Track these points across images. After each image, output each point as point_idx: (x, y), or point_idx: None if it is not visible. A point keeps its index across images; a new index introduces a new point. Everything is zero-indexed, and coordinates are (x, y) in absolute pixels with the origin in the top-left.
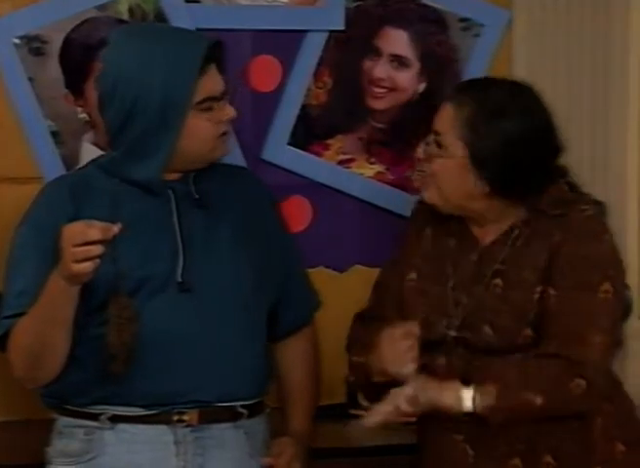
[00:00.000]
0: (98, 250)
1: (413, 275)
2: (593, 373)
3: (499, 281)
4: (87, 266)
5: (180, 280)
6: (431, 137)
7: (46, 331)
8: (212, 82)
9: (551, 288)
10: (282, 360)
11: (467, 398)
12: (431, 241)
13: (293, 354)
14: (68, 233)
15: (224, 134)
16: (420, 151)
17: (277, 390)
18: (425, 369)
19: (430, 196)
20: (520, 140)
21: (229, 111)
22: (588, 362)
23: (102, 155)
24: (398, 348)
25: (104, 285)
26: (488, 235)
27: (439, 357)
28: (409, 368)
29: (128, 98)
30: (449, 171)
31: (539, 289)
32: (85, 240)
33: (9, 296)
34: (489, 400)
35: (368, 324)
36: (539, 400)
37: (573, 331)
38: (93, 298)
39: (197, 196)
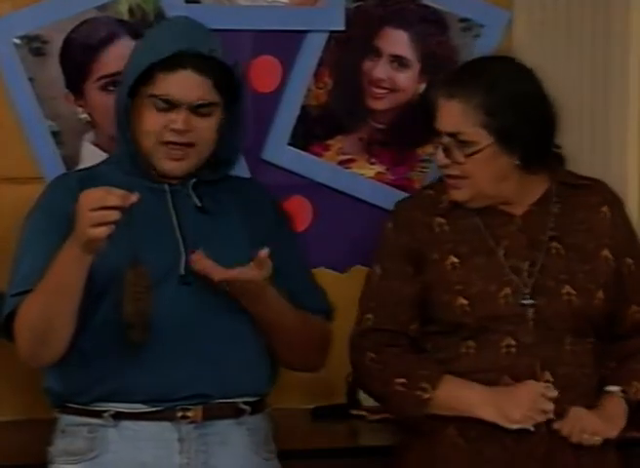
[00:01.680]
0: (114, 215)
1: (453, 259)
2: None
3: (557, 245)
4: (102, 231)
5: (182, 273)
6: (446, 140)
7: (54, 301)
8: (169, 84)
9: (627, 257)
10: None
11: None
12: (449, 226)
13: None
14: (87, 198)
15: (168, 144)
16: (440, 158)
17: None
18: (493, 351)
19: (462, 195)
20: (532, 96)
21: (178, 121)
22: None
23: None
24: (537, 403)
25: (108, 272)
26: (518, 207)
27: (505, 337)
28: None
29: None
30: (482, 164)
31: (604, 252)
32: (103, 204)
33: (17, 277)
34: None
35: (394, 343)
36: None
37: None
38: (96, 285)
39: (200, 204)
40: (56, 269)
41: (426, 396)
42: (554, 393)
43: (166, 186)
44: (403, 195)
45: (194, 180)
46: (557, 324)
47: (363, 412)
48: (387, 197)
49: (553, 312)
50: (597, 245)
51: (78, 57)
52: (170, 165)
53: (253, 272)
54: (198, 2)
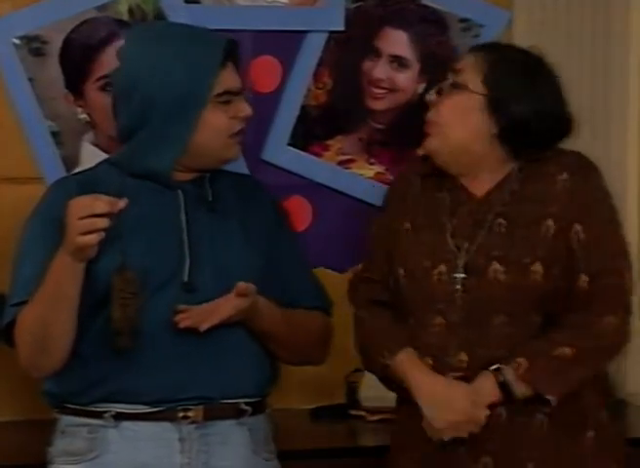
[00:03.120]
0: (103, 222)
1: (407, 225)
2: (624, 308)
3: (501, 220)
4: (92, 238)
5: (186, 280)
6: (446, 83)
7: (51, 310)
8: (230, 77)
9: (577, 224)
10: None
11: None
12: (421, 195)
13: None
14: (75, 206)
15: (238, 133)
16: (430, 94)
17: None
18: (424, 329)
19: (430, 142)
20: (537, 91)
21: (246, 108)
22: (621, 297)
23: (113, 154)
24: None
25: (107, 278)
26: (482, 187)
27: (435, 316)
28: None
29: (148, 96)
30: (460, 107)
31: (547, 222)
32: (91, 212)
33: (16, 286)
34: (521, 370)
35: (376, 299)
36: (568, 350)
37: (604, 265)
38: (96, 292)
39: (211, 198)
40: (50, 278)
41: (386, 361)
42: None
43: (179, 191)
44: None
45: (209, 176)
46: (485, 303)
47: (362, 413)
48: None
49: (480, 291)
50: (541, 215)
51: (78, 57)
52: (236, 151)
53: (236, 303)
54: (198, 2)
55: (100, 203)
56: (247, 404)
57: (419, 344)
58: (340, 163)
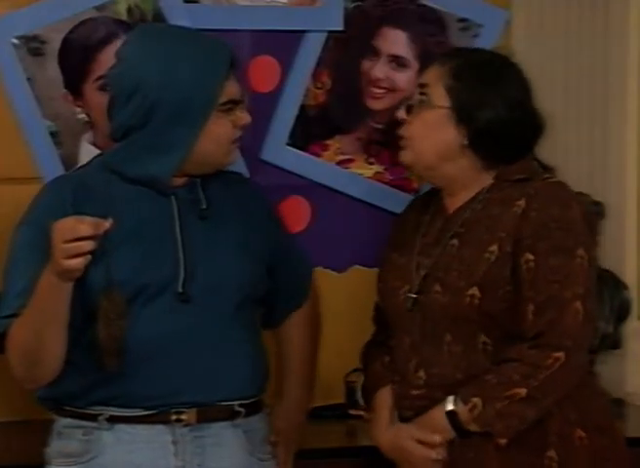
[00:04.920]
0: (88, 245)
1: (391, 252)
2: (572, 343)
3: (455, 241)
4: (78, 262)
5: (180, 290)
6: (415, 98)
7: (40, 328)
8: (234, 86)
9: (527, 252)
10: (280, 332)
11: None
12: (412, 222)
13: (290, 328)
14: (58, 229)
15: (238, 140)
16: (400, 113)
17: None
18: (397, 348)
19: (405, 156)
20: (502, 95)
21: (246, 116)
22: (568, 331)
23: (108, 151)
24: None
25: (100, 288)
26: (456, 204)
27: (404, 335)
28: None
29: (149, 99)
30: (429, 124)
31: (492, 248)
32: (75, 236)
33: (8, 296)
34: (476, 411)
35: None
36: (522, 391)
37: (548, 299)
38: (89, 303)
39: (205, 206)
40: (37, 297)
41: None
42: (439, 456)
43: (172, 198)
44: (401, 195)
45: (200, 180)
46: (433, 323)
47: (361, 412)
48: (386, 197)
49: (427, 311)
50: (489, 239)
51: (77, 57)
52: (235, 157)
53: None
54: (197, 2)
55: (84, 226)
56: (241, 405)
57: (394, 364)
58: (340, 163)
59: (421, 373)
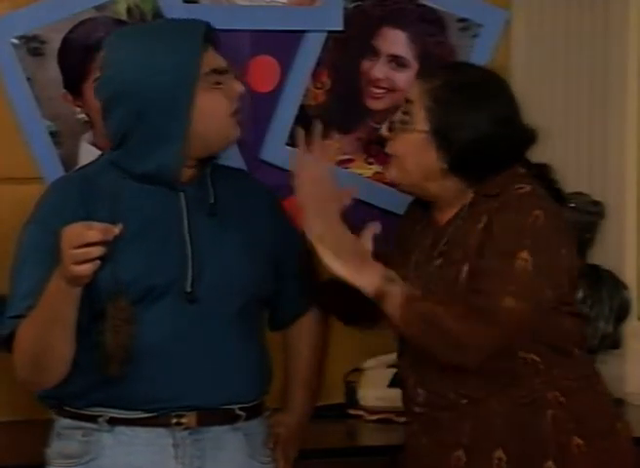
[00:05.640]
0: (97, 251)
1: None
2: (500, 329)
3: (440, 261)
4: (87, 268)
5: (188, 290)
6: (398, 116)
7: (47, 332)
8: (213, 57)
9: (479, 259)
10: (287, 341)
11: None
12: (408, 233)
13: (296, 338)
14: (67, 235)
15: (237, 112)
16: (384, 129)
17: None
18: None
19: (390, 172)
20: (482, 118)
21: (238, 86)
22: (497, 318)
23: (113, 151)
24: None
25: (107, 290)
26: (444, 217)
27: (403, 353)
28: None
29: (137, 97)
30: (410, 148)
31: (465, 268)
32: (84, 242)
33: (15, 297)
34: (398, 298)
35: None
36: (449, 321)
37: (483, 291)
38: (96, 304)
39: (212, 200)
40: (46, 301)
41: None
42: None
43: (181, 194)
44: (401, 195)
45: (209, 172)
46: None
47: (361, 412)
48: (385, 197)
49: None
50: (463, 260)
51: (76, 57)
52: (237, 130)
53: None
54: (196, 2)
55: (93, 232)
56: (241, 409)
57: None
58: (339, 163)
59: (420, 391)
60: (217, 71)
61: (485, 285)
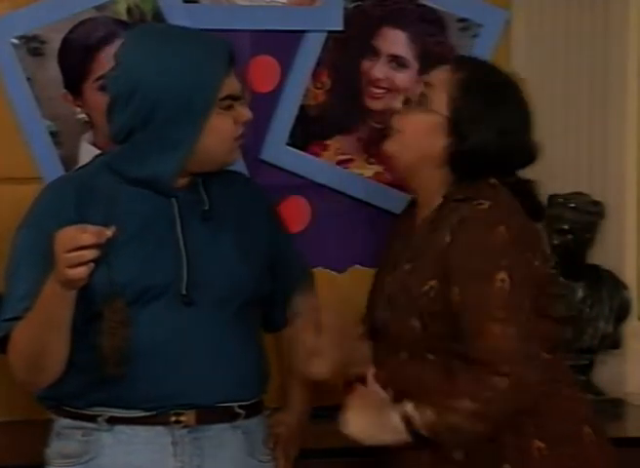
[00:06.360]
0: (91, 254)
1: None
2: (509, 367)
3: (408, 266)
4: (81, 271)
5: (184, 292)
6: (417, 92)
7: (43, 334)
8: (233, 82)
9: (454, 285)
10: (282, 342)
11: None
12: (395, 234)
13: (292, 339)
14: (61, 238)
15: (240, 136)
16: (398, 100)
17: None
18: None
19: (391, 145)
20: (500, 120)
21: (247, 112)
22: (497, 356)
23: (109, 152)
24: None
25: (102, 292)
26: (420, 218)
27: (374, 349)
28: None
29: (149, 100)
30: (422, 126)
31: (431, 282)
32: (77, 245)
33: (10, 300)
34: (427, 416)
35: None
36: (469, 404)
37: (473, 327)
38: (91, 306)
39: (207, 207)
40: (41, 303)
41: None
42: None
43: (173, 200)
44: (401, 195)
45: (201, 180)
46: (392, 341)
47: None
48: (386, 197)
49: (386, 330)
50: (430, 272)
51: (76, 57)
52: (238, 154)
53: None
54: (196, 2)
55: (86, 235)
56: (240, 407)
57: None
58: (339, 163)
59: (390, 391)
60: (232, 97)
61: (472, 319)
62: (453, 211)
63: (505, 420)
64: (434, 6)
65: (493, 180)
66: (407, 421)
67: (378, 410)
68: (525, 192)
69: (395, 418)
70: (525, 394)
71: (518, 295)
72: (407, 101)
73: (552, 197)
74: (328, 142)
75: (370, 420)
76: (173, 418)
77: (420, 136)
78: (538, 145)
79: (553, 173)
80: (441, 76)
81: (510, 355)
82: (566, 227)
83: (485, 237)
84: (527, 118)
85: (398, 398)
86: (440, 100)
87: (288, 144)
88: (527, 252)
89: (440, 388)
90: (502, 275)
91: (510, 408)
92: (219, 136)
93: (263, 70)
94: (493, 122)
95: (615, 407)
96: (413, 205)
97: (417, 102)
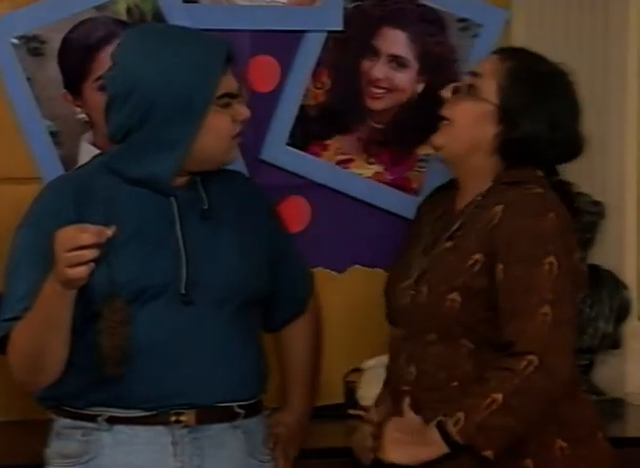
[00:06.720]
0: (91, 254)
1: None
2: (542, 347)
3: (450, 244)
4: (81, 271)
5: (183, 292)
6: (465, 82)
7: (42, 334)
8: (230, 80)
9: (499, 262)
10: (282, 343)
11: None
12: (425, 216)
13: (291, 339)
14: (61, 238)
15: (238, 135)
16: (445, 91)
17: (279, 369)
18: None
19: (439, 138)
20: (549, 110)
21: (245, 111)
22: (535, 336)
23: (108, 152)
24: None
25: (102, 292)
26: (463, 202)
27: (397, 329)
28: None
29: (147, 99)
30: (472, 114)
31: (476, 256)
32: (77, 245)
33: (10, 300)
34: (459, 424)
35: None
36: (499, 396)
37: (516, 307)
38: (91, 305)
39: (206, 206)
40: (42, 303)
41: None
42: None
43: (172, 199)
44: (401, 195)
45: (200, 179)
46: (420, 321)
47: (361, 412)
48: (386, 197)
49: (415, 309)
50: (475, 247)
51: (76, 57)
52: (236, 153)
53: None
54: (196, 2)
55: (86, 235)
56: (240, 406)
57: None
58: (339, 163)
59: (412, 369)
60: (229, 95)
61: (518, 299)
62: (502, 192)
63: (536, 412)
64: (434, 6)
65: (540, 172)
66: (443, 430)
67: (416, 432)
68: (565, 192)
69: (433, 432)
70: (556, 382)
71: (564, 281)
72: (456, 90)
73: None
74: (328, 142)
75: (410, 440)
76: (173, 418)
77: (471, 123)
78: (585, 138)
79: None
80: (489, 65)
81: (546, 337)
82: None
83: (536, 221)
84: (576, 108)
85: (420, 377)
86: (489, 89)
87: (288, 144)
88: (571, 243)
89: (471, 390)
90: (551, 259)
91: (539, 395)
92: (216, 134)
93: (263, 70)
94: (543, 111)
95: (615, 407)
96: (441, 193)
97: (465, 90)
